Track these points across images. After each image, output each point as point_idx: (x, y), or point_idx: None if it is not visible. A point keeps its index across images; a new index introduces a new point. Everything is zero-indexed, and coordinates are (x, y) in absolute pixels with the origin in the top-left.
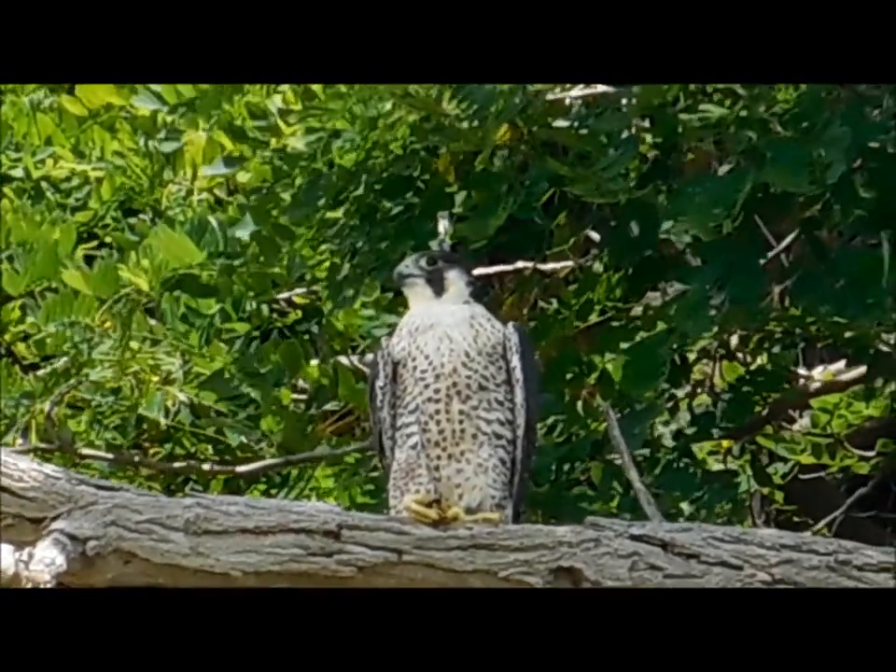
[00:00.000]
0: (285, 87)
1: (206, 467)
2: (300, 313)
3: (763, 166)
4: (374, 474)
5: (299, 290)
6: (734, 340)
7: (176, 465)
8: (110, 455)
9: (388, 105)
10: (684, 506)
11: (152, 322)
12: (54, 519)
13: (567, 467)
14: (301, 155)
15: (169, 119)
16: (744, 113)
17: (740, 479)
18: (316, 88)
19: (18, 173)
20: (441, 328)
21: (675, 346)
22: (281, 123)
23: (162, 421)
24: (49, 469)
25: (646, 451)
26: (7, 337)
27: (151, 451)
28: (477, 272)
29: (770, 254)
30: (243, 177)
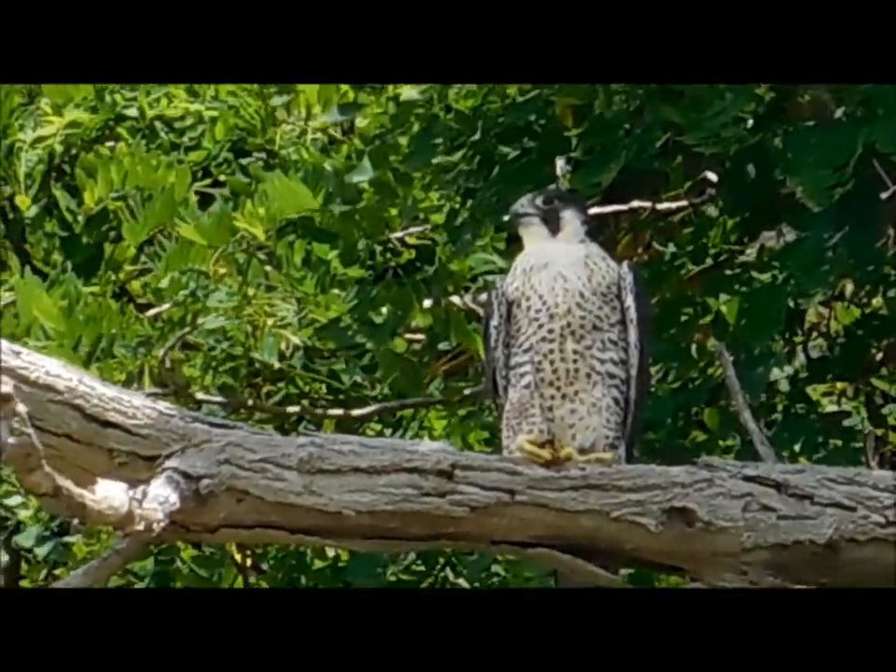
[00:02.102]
0: None
1: (319, 411)
2: (413, 252)
3: (875, 123)
4: (488, 419)
5: (413, 230)
6: (848, 283)
7: (290, 409)
8: (224, 400)
9: None
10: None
11: (267, 268)
12: (168, 457)
13: (682, 414)
14: (416, 103)
15: None
16: None
17: (855, 421)
18: None
19: (132, 112)
20: (556, 267)
21: (792, 296)
22: None
23: (276, 364)
24: (162, 406)
25: (762, 396)
26: (121, 276)
27: (265, 389)
28: (592, 210)
29: (885, 194)
30: (360, 122)
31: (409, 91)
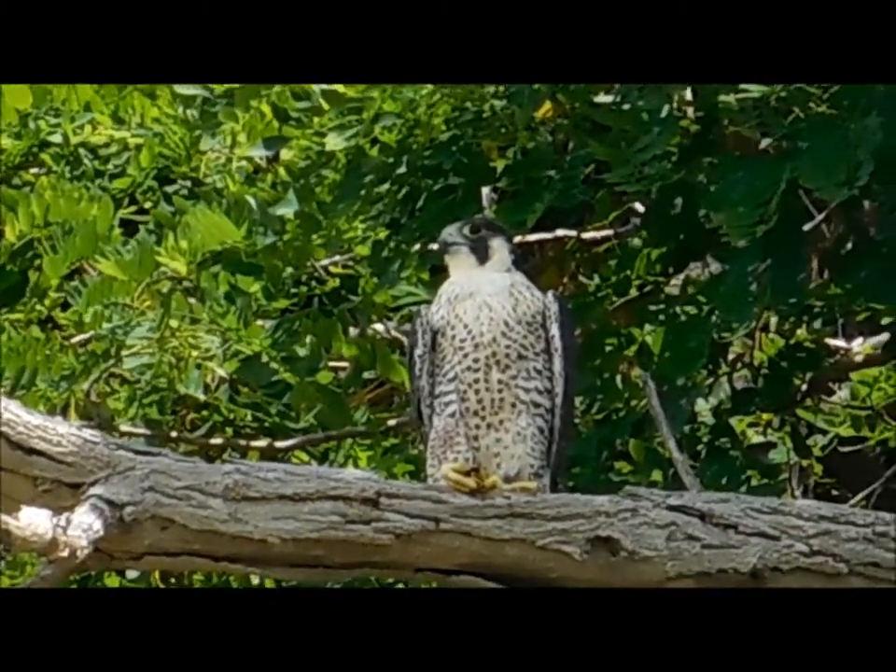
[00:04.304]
0: None
1: (243, 442)
2: (338, 281)
3: (799, 159)
4: (413, 452)
5: (337, 258)
6: (773, 315)
7: (214, 441)
8: (149, 432)
9: (429, 86)
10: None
11: (191, 301)
12: (92, 484)
13: (606, 454)
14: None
15: (210, 109)
16: (783, 94)
17: (780, 452)
18: None
19: (56, 138)
20: (481, 296)
21: (716, 331)
22: (324, 103)
23: (201, 397)
24: (87, 433)
25: (686, 427)
26: (46, 303)
27: (189, 417)
28: (517, 239)
29: (808, 225)
30: (286, 154)
31: (335, 139)
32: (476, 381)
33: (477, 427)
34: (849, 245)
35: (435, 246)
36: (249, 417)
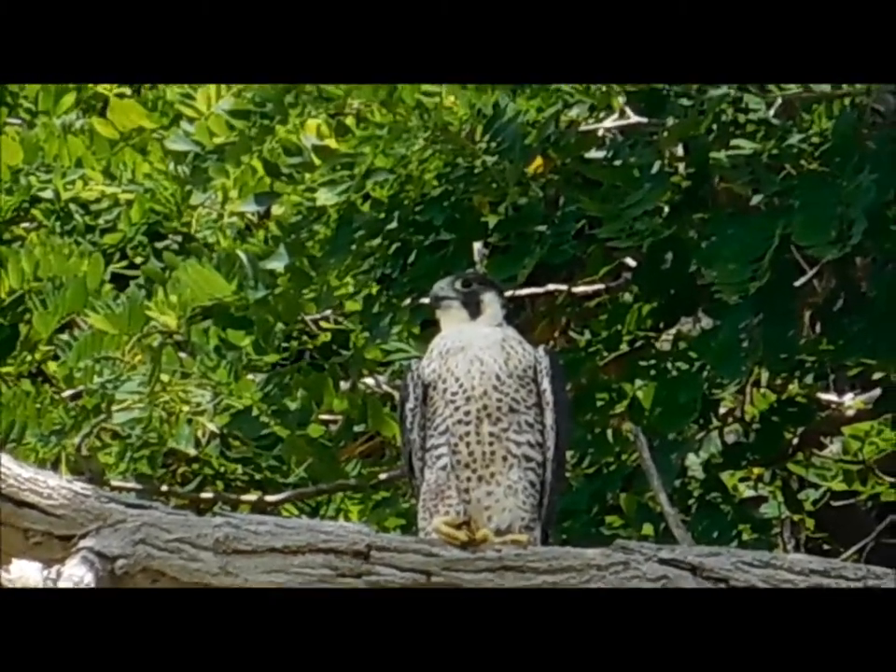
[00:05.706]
0: (318, 119)
1: (234, 496)
2: (329, 335)
3: (791, 216)
4: (404, 506)
5: (328, 313)
6: (764, 371)
7: (205, 495)
8: (140, 486)
9: (421, 142)
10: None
11: (182, 355)
12: (83, 537)
13: (596, 507)
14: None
15: (201, 164)
16: (775, 151)
17: (771, 507)
18: (350, 122)
19: (48, 194)
20: (473, 350)
21: (707, 386)
22: (315, 158)
23: (192, 452)
24: (78, 486)
25: (676, 481)
26: (37, 356)
27: (180, 471)
28: (508, 293)
29: (800, 281)
30: (277, 210)
31: (326, 195)
32: (467, 434)
33: (468, 479)
34: (841, 301)
35: (426, 301)
36: (240, 471)
